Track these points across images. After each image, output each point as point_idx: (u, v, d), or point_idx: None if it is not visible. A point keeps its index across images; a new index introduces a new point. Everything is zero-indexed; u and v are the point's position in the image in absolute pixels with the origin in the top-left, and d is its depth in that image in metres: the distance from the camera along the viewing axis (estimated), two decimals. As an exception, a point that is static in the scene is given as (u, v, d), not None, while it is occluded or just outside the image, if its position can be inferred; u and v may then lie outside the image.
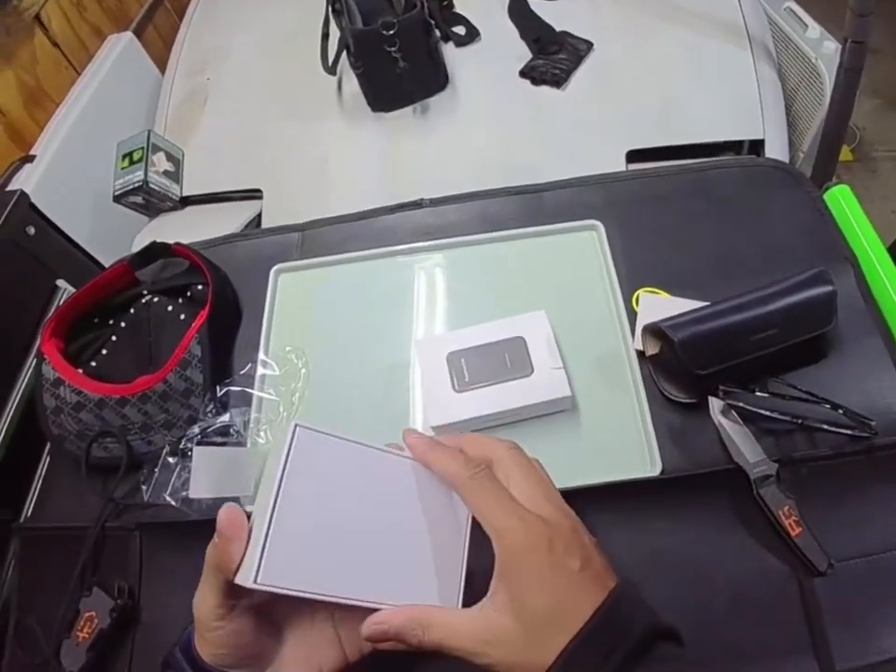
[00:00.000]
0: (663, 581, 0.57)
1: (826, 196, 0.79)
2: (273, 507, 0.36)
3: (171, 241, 0.82)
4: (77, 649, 0.61)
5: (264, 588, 0.35)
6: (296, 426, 0.38)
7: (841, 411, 0.61)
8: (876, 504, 0.59)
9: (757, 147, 1.21)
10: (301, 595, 0.36)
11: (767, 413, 0.61)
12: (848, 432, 0.61)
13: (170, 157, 1.33)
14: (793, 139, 1.36)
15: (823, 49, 1.24)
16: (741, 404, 0.61)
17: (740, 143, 1.23)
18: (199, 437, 0.66)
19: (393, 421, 0.68)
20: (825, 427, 0.61)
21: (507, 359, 0.65)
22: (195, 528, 0.63)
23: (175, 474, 0.65)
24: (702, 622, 0.56)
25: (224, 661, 0.39)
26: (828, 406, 0.61)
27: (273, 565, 0.35)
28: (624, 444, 0.63)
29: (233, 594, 0.39)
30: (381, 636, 0.37)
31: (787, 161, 1.21)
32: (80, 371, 0.75)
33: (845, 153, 2.12)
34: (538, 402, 0.63)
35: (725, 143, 1.21)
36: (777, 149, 1.21)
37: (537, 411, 0.64)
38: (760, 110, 1.21)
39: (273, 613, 0.42)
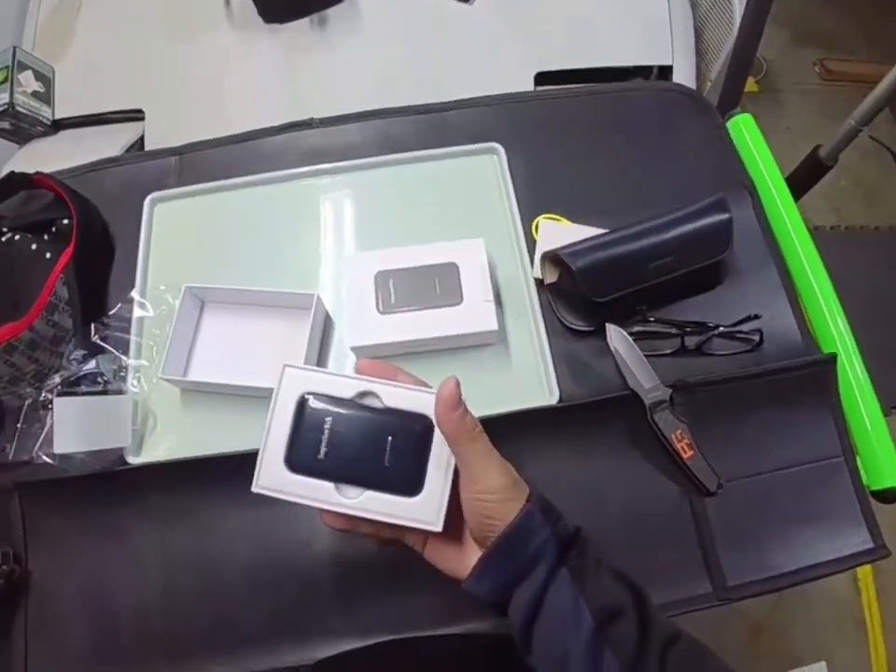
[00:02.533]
0: (561, 507, 0.58)
1: (729, 124, 0.78)
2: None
3: (43, 169, 0.74)
4: (-31, 621, 0.57)
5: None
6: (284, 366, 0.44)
7: (721, 329, 0.63)
8: (769, 427, 0.62)
9: (665, 73, 1.20)
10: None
11: (661, 339, 0.62)
12: (739, 350, 0.64)
13: (39, 76, 1.18)
14: (702, 68, 1.35)
15: (734, -25, 1.22)
16: (637, 329, 0.61)
17: (649, 69, 1.21)
18: (59, 387, 0.60)
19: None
20: (717, 353, 0.63)
21: (437, 285, 0.62)
22: (76, 484, 0.59)
23: (46, 428, 0.60)
24: (599, 545, 0.57)
25: None
26: (719, 329, 0.63)
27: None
28: (523, 374, 0.62)
29: None
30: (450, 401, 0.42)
31: (694, 88, 1.21)
32: (-62, 321, 0.67)
33: (750, 84, 2.14)
34: (463, 333, 0.61)
35: (634, 68, 1.19)
36: (684, 76, 1.20)
37: (461, 342, 0.62)
38: (669, 35, 1.19)
39: None
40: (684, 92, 0.80)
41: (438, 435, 0.43)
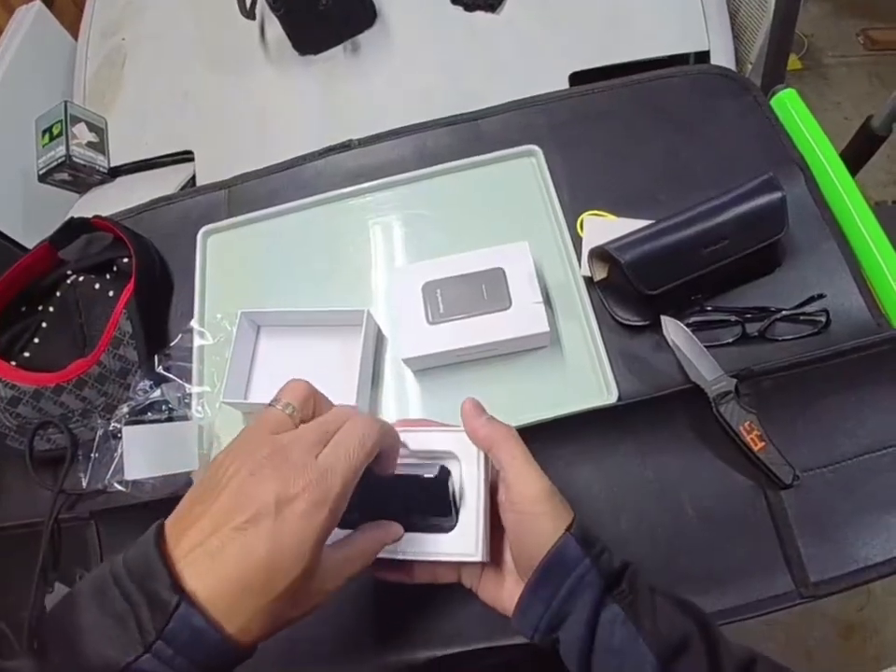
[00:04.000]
0: (629, 508, 0.57)
1: (773, 101, 0.76)
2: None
3: (104, 215, 0.77)
4: (50, 646, 0.59)
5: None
6: None
7: (784, 312, 0.60)
8: (840, 411, 0.58)
9: (704, 59, 1.17)
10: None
11: (721, 328, 0.60)
12: (805, 333, 0.61)
13: (92, 127, 1.25)
14: (740, 52, 1.32)
15: (766, -47, 1.19)
16: (694, 319, 0.59)
17: (686, 57, 1.19)
18: (128, 416, 0.63)
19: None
20: (781, 338, 0.61)
21: (484, 291, 0.62)
22: (149, 510, 0.61)
23: (118, 457, 0.62)
24: (672, 545, 0.55)
25: (268, 629, 0.34)
26: (781, 312, 0.60)
27: None
28: (579, 374, 0.61)
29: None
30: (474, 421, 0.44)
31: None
32: (13, 363, 0.71)
33: (793, 62, 2.08)
34: (514, 337, 0.60)
35: (671, 58, 1.17)
36: (723, 60, 1.17)
37: (512, 346, 0.62)
38: (703, 20, 1.17)
39: None
40: (721, 73, 0.78)
41: (466, 467, 0.45)
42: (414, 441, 0.46)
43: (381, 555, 0.42)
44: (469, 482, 0.45)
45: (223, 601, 0.32)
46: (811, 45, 2.16)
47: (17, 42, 1.35)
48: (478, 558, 0.42)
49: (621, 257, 0.57)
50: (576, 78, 1.12)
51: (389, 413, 0.63)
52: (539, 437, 0.51)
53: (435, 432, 0.46)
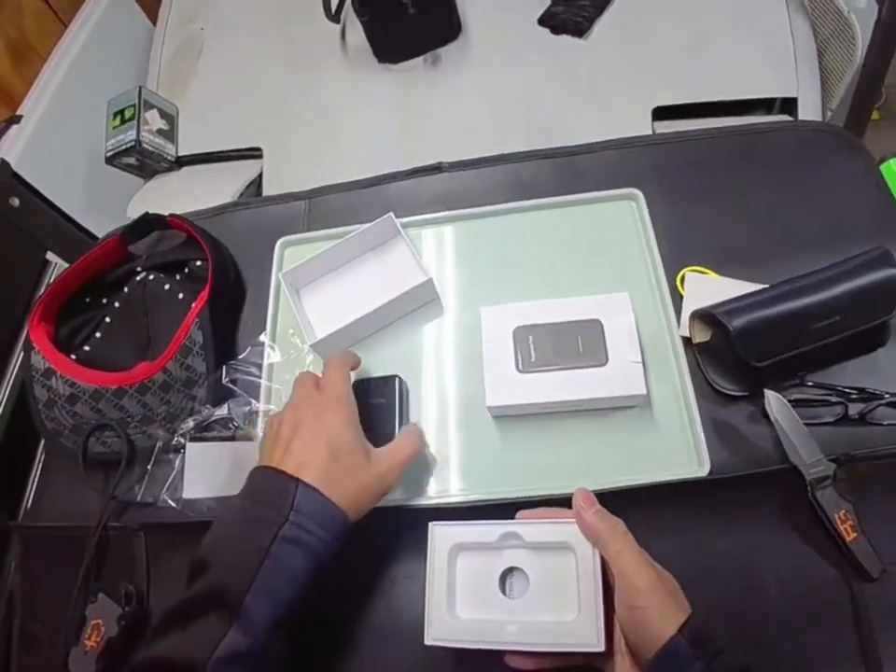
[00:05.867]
0: (710, 584, 0.54)
1: (883, 167, 0.72)
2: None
3: (167, 204, 0.76)
4: (86, 658, 0.58)
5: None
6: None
7: (888, 397, 0.57)
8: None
9: (789, 105, 1.14)
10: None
11: (820, 406, 0.57)
12: None
13: (164, 114, 1.25)
14: (822, 96, 1.29)
15: (856, 2, 1.15)
16: (797, 396, 0.56)
17: (771, 100, 1.15)
18: (193, 431, 0.61)
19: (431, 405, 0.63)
20: (883, 422, 0.57)
21: (580, 343, 0.58)
22: (202, 530, 0.59)
23: (174, 472, 0.60)
24: (749, 627, 0.53)
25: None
26: (886, 397, 0.57)
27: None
28: (668, 440, 0.57)
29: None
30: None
31: (820, 120, 1.14)
32: (73, 356, 0.70)
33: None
34: (608, 397, 0.57)
35: (756, 100, 1.14)
36: (810, 108, 1.14)
37: (603, 404, 0.58)
38: (794, 66, 1.13)
39: None
40: (837, 133, 0.74)
41: (581, 558, 0.47)
42: (529, 533, 0.49)
43: (512, 648, 0.47)
44: (584, 572, 0.46)
45: (321, 480, 0.47)
46: (888, 95, 2.10)
47: (93, 20, 1.35)
48: (600, 648, 0.44)
49: (729, 323, 0.54)
50: (658, 113, 1.09)
51: (463, 460, 0.60)
52: (618, 502, 0.49)
53: (549, 524, 0.49)
